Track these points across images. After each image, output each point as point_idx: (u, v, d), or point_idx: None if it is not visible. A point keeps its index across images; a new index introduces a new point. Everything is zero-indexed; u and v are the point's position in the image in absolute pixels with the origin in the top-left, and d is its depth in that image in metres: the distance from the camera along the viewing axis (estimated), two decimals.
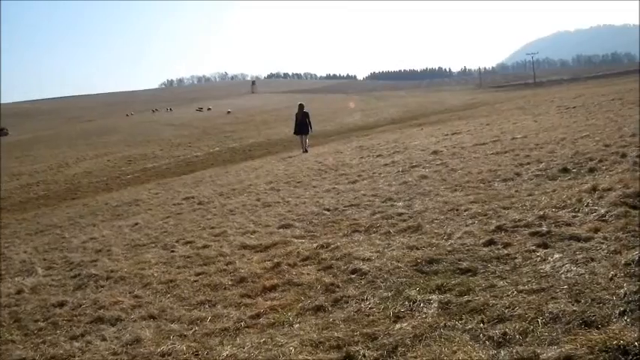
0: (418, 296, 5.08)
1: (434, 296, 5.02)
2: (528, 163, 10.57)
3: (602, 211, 6.49)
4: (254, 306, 5.87)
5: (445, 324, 4.40)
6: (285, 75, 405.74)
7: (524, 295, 4.60)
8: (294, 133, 26.37)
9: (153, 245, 9.85)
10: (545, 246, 5.80)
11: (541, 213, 6.89)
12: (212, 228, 10.31)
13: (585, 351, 3.48)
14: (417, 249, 6.53)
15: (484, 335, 4.08)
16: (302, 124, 25.33)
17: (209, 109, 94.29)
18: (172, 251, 9.05)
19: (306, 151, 24.62)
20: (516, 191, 8.64)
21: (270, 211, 10.97)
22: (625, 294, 4.19)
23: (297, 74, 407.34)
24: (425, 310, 4.77)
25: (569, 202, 7.20)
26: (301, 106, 25.70)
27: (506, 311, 4.37)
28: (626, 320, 3.82)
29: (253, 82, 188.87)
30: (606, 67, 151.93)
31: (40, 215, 18.87)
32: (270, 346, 4.66)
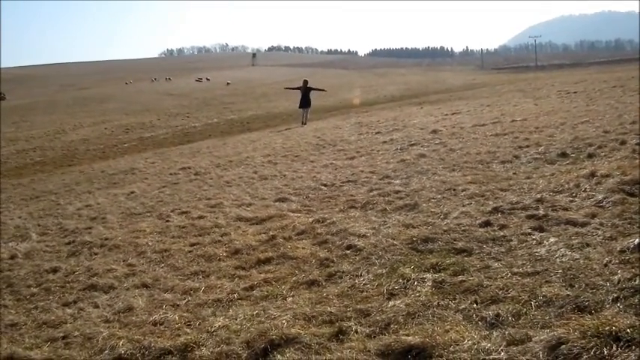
0: (412, 274, 5.08)
1: (428, 275, 5.02)
2: (527, 146, 10.54)
3: (600, 197, 6.47)
4: (248, 278, 5.88)
5: (438, 303, 4.41)
6: (287, 48, 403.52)
7: (519, 278, 4.60)
8: (299, 107, 27.72)
9: (148, 214, 9.86)
10: (541, 229, 5.80)
11: (538, 196, 6.88)
12: (208, 199, 10.31)
13: (577, 335, 3.47)
14: (413, 227, 6.53)
15: (477, 316, 4.09)
16: (305, 98, 26.92)
17: (207, 79, 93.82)
18: (167, 221, 9.05)
19: (304, 123, 26.07)
20: (514, 173, 8.62)
21: (267, 184, 10.96)
22: (619, 280, 4.19)
23: (298, 48, 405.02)
24: (419, 288, 4.77)
25: (566, 186, 7.19)
26: (305, 82, 27.32)
27: (499, 293, 4.37)
28: (619, 307, 3.82)
29: (254, 55, 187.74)
30: (609, 54, 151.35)
31: (35, 181, 18.85)
32: (262, 319, 4.67)
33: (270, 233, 7.32)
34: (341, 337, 4.15)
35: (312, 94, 27.74)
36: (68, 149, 30.07)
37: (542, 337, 3.58)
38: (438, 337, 3.84)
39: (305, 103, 27.07)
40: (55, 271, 7.26)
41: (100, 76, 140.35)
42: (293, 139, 19.03)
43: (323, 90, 28.84)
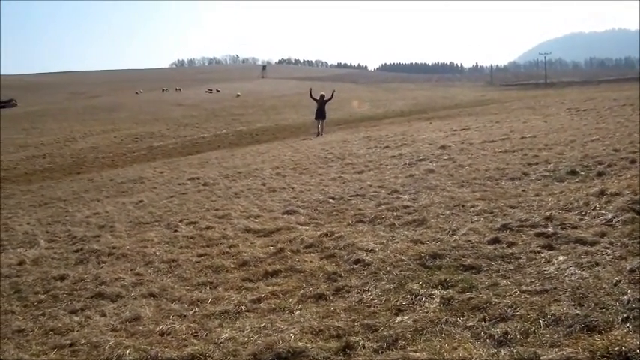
0: (420, 290, 5.08)
1: (436, 291, 5.01)
2: (537, 164, 10.53)
3: (609, 215, 6.46)
4: (255, 290, 5.88)
5: (446, 319, 4.40)
6: (297, 61, 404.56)
7: (527, 296, 4.59)
8: (315, 118, 29.18)
9: (156, 224, 9.88)
10: (550, 247, 5.79)
11: (547, 214, 6.87)
12: (216, 210, 10.32)
13: (587, 355, 3.47)
14: (422, 243, 6.53)
15: (485, 333, 4.08)
16: (321, 110, 28.56)
17: (217, 90, 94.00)
18: (175, 231, 9.07)
19: (320, 134, 27.43)
20: (523, 191, 8.61)
21: (275, 196, 10.96)
22: (628, 300, 4.18)
23: (308, 61, 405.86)
24: (427, 304, 4.76)
25: (576, 204, 7.18)
26: (322, 96, 28.79)
27: (508, 310, 4.36)
28: (628, 327, 3.81)
29: (264, 67, 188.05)
30: (619, 72, 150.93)
31: (44, 188, 18.90)
32: (269, 331, 4.66)
33: (278, 246, 7.33)
34: (348, 351, 4.15)
35: (326, 106, 28.95)
36: (77, 157, 30.17)
37: (550, 356, 3.57)
38: (445, 353, 3.84)
39: (321, 115, 28.55)
40: (62, 278, 7.28)
41: (110, 85, 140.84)
42: (301, 151, 19.04)
43: (333, 91, 30.27)
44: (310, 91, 30.16)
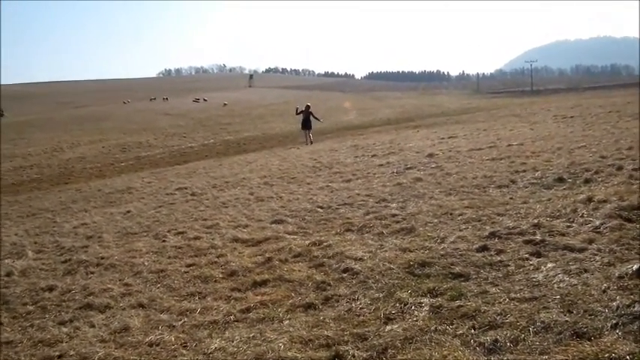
0: (410, 299, 5.08)
1: (425, 299, 5.01)
2: (524, 171, 10.57)
3: (597, 222, 6.49)
4: (244, 300, 5.86)
5: (436, 328, 4.40)
6: (284, 70, 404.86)
7: (516, 303, 4.60)
8: (301, 128, 30.15)
9: (144, 234, 9.84)
10: (538, 255, 5.80)
11: (535, 221, 6.89)
12: (204, 220, 10.30)
13: None
14: (410, 251, 6.53)
15: (475, 341, 4.08)
16: (307, 120, 29.53)
17: (205, 100, 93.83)
18: (164, 241, 9.03)
19: (311, 142, 28.33)
20: (511, 198, 8.64)
21: (263, 205, 10.95)
22: (618, 307, 4.19)
23: (295, 70, 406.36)
24: (416, 312, 4.76)
25: (563, 211, 7.20)
26: (307, 107, 30.02)
27: (497, 318, 4.37)
28: (618, 333, 3.82)
29: (251, 76, 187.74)
30: (605, 79, 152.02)
31: (32, 198, 18.81)
32: (259, 341, 4.65)
33: (267, 255, 7.31)
34: None
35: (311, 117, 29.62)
36: (65, 167, 30.08)
37: None
38: None
39: (306, 124, 29.50)
40: (51, 289, 7.23)
41: (98, 95, 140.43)
42: (289, 160, 19.05)
43: (318, 120, 30.92)
44: (296, 110, 30.92)
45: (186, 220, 10.52)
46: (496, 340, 4.00)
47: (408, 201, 9.42)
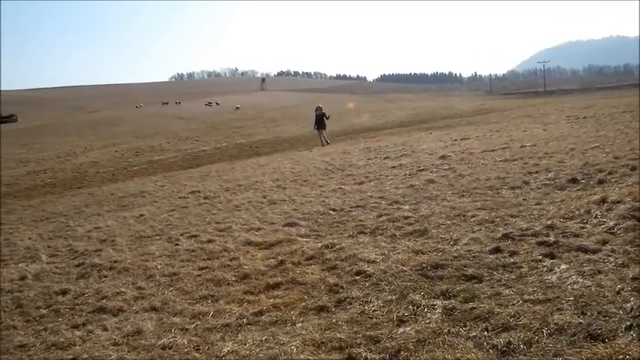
0: (422, 301, 5.06)
1: (438, 302, 5.00)
2: (537, 172, 10.52)
3: (611, 223, 6.44)
4: (257, 303, 5.86)
5: (449, 330, 4.38)
6: (295, 73, 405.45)
7: (530, 305, 4.57)
8: (315, 129, 30.21)
9: (157, 237, 9.87)
10: (552, 256, 5.76)
11: (549, 222, 6.85)
12: (217, 223, 10.31)
13: None
14: (423, 253, 6.51)
15: (488, 343, 4.06)
16: (320, 121, 29.50)
17: (217, 103, 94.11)
18: (177, 244, 9.05)
19: (327, 142, 28.70)
20: (524, 200, 8.60)
21: (276, 208, 10.96)
22: (632, 308, 4.16)
23: (307, 73, 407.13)
24: (429, 315, 4.74)
25: (577, 212, 7.16)
26: (319, 108, 29.98)
27: (511, 320, 4.34)
28: (632, 335, 3.79)
29: (263, 79, 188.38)
30: (618, 79, 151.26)
31: (45, 202, 18.89)
32: (271, 344, 4.65)
33: (279, 258, 7.31)
34: None
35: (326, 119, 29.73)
36: (78, 171, 30.18)
37: None
38: None
39: (320, 125, 29.52)
40: (64, 292, 7.27)
41: (111, 99, 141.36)
42: (302, 163, 19.04)
43: (326, 117, 30.65)
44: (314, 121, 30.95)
45: (199, 224, 10.54)
46: (509, 342, 3.98)
47: (420, 203, 9.40)
